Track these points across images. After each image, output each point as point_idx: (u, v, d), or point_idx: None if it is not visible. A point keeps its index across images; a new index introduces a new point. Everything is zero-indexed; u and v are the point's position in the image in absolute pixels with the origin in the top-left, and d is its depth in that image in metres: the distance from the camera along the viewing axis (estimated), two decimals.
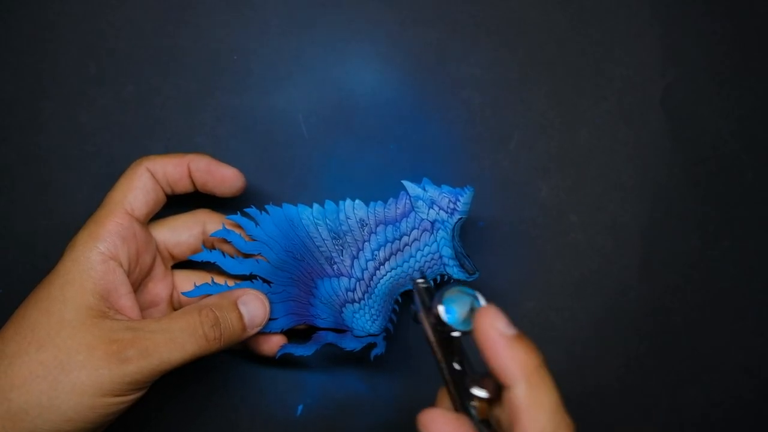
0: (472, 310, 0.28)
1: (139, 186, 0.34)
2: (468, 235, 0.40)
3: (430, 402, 0.30)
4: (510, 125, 0.41)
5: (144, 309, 0.35)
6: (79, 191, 0.39)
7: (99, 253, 0.32)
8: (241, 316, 0.34)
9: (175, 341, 0.31)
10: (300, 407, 0.40)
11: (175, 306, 0.37)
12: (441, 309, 0.28)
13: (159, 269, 0.36)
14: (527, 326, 0.41)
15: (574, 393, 0.41)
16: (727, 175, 0.42)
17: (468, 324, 0.28)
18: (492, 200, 0.41)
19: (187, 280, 0.37)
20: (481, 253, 0.40)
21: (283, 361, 0.38)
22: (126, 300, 0.33)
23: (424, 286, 0.31)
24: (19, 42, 0.39)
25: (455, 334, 0.28)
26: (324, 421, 0.40)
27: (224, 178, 0.35)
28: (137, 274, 0.34)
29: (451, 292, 0.28)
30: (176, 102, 0.40)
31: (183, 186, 0.35)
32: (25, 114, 0.39)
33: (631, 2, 0.41)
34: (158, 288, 0.36)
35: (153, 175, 0.34)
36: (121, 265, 0.32)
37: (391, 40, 0.41)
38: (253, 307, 0.35)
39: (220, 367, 0.40)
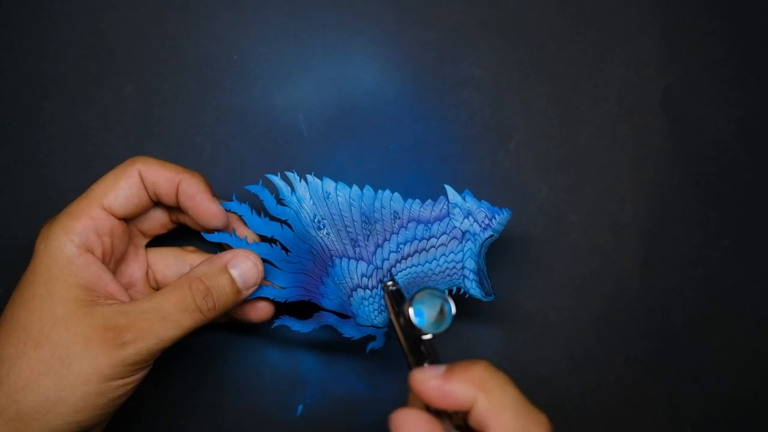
0: (442, 312, 0.28)
1: (124, 187, 0.33)
2: None
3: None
4: (510, 125, 0.41)
5: None
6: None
7: (74, 246, 0.31)
8: (233, 280, 0.33)
9: (169, 318, 0.31)
10: (300, 407, 0.40)
11: (151, 285, 0.36)
12: (411, 311, 0.28)
13: (130, 249, 0.35)
14: (527, 326, 0.41)
15: (574, 393, 0.41)
16: (727, 175, 0.42)
17: (438, 326, 0.28)
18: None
19: (162, 258, 0.36)
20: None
21: (283, 361, 0.38)
22: (113, 286, 0.32)
23: (393, 288, 0.31)
24: (19, 42, 0.39)
25: (426, 336, 0.28)
26: (324, 421, 0.40)
27: (205, 212, 0.34)
28: (113, 264, 0.34)
29: (421, 295, 0.28)
30: (176, 102, 0.40)
31: (169, 201, 0.34)
32: (26, 114, 0.39)
33: (631, 2, 0.41)
34: (132, 269, 0.35)
35: (142, 180, 0.33)
36: (97, 257, 0.32)
37: (391, 40, 0.40)
38: (244, 268, 0.33)
39: (220, 366, 0.40)
